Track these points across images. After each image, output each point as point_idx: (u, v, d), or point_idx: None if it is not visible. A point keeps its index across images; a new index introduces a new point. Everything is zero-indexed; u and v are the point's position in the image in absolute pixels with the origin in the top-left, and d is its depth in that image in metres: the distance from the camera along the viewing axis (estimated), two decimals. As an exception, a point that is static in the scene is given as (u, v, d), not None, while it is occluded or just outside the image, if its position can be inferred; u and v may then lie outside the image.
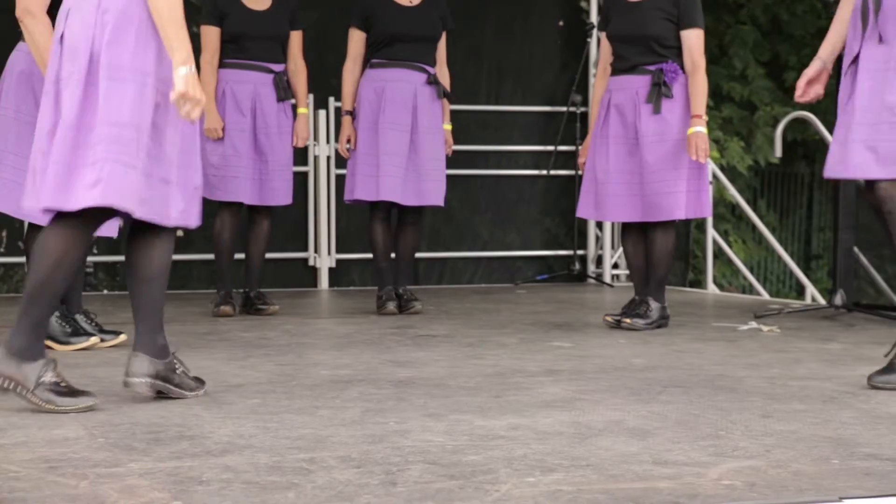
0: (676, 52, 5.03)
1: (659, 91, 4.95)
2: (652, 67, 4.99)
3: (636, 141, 4.99)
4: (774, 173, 12.56)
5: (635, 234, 5.15)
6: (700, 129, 4.92)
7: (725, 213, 11.43)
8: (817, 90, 3.72)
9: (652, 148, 4.95)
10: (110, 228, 4.27)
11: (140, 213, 3.05)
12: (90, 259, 7.17)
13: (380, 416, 2.95)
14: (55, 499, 2.15)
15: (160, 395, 3.17)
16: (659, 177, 4.95)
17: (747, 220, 10.87)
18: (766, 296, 7.69)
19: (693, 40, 5.02)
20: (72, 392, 3.08)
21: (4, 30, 6.45)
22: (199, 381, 3.32)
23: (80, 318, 4.35)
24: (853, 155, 3.51)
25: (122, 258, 7.43)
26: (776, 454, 2.52)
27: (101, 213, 3.09)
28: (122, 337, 4.41)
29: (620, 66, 5.07)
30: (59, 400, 3.05)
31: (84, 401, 3.07)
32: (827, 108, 10.81)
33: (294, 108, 5.62)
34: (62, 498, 2.15)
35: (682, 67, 5.01)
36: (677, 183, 4.95)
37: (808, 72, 3.72)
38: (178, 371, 3.25)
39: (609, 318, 5.08)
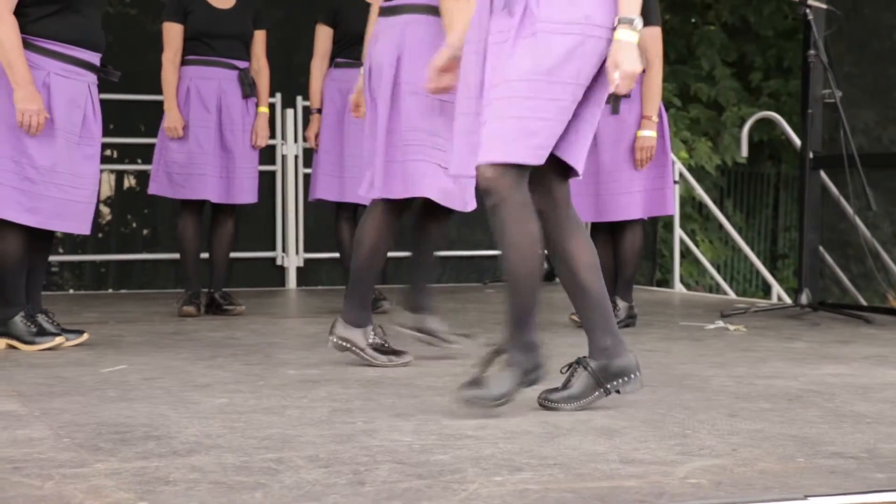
0: None
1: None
2: None
3: (594, 142, 4.99)
4: (741, 173, 12.63)
5: (603, 234, 5.16)
6: (648, 133, 4.91)
7: (692, 212, 11.48)
8: (450, 79, 3.24)
9: (608, 148, 4.95)
10: (81, 225, 4.25)
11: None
12: (55, 258, 7.13)
13: (347, 416, 2.95)
14: (20, 499, 2.13)
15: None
16: (614, 177, 4.96)
17: (714, 220, 10.93)
18: (732, 295, 7.73)
19: (647, 39, 4.95)
20: (393, 352, 3.87)
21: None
22: (398, 354, 3.88)
23: (41, 317, 4.32)
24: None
25: (86, 257, 7.39)
26: (742, 453, 2.53)
27: (403, 204, 3.87)
28: (85, 336, 4.38)
29: None
30: (381, 357, 3.85)
31: (401, 359, 3.85)
32: (792, 108, 10.91)
33: (256, 106, 5.60)
34: (27, 499, 2.13)
35: None
36: (632, 183, 4.95)
37: (437, 62, 3.25)
38: (371, 340, 3.88)
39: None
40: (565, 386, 3.05)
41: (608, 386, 3.04)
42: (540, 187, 3.03)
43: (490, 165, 2.92)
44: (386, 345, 3.90)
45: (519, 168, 2.92)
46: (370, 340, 3.88)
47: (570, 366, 3.07)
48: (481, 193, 3.00)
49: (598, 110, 3.04)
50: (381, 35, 3.86)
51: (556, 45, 2.88)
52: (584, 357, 3.06)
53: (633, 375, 3.06)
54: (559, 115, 2.91)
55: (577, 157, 3.03)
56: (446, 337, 4.11)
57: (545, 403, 3.03)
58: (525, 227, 2.95)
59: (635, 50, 2.88)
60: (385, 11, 3.89)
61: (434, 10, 3.79)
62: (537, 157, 2.92)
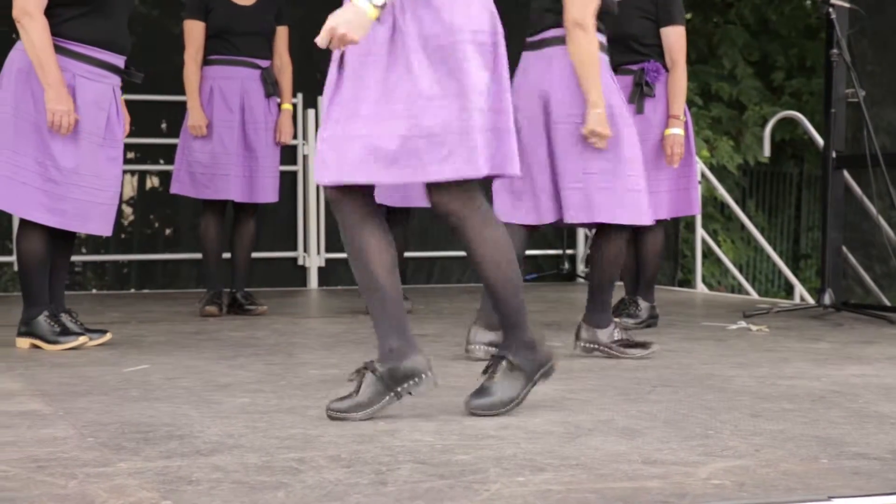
0: (658, 50, 4.99)
1: (641, 91, 4.93)
2: (633, 67, 4.96)
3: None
4: (763, 173, 12.59)
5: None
6: (676, 130, 4.90)
7: (714, 212, 11.45)
8: None
9: None
10: (103, 226, 4.27)
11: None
12: (78, 258, 7.16)
13: (369, 416, 2.95)
14: (44, 498, 2.14)
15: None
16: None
17: (736, 220, 10.89)
18: (754, 295, 7.71)
19: (672, 38, 4.96)
20: (639, 345, 4.05)
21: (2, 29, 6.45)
22: (645, 345, 4.05)
23: (64, 317, 4.34)
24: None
25: (108, 257, 7.42)
26: (765, 453, 2.52)
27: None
28: (108, 336, 4.40)
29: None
30: (630, 351, 4.03)
31: (649, 350, 4.02)
32: (814, 108, 10.86)
33: (279, 104, 5.61)
34: (51, 498, 2.14)
35: (665, 66, 4.99)
36: (658, 183, 4.94)
37: None
38: (617, 337, 4.07)
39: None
40: (354, 393, 2.90)
41: (398, 389, 2.89)
42: (451, 188, 2.91)
43: (442, 188, 2.88)
44: (630, 339, 4.09)
45: (468, 182, 2.88)
46: (615, 338, 4.06)
47: (357, 371, 2.93)
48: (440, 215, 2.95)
49: (508, 118, 2.93)
50: (530, 68, 4.01)
51: (423, 59, 2.81)
52: (372, 361, 2.91)
53: (423, 376, 2.91)
54: (447, 127, 2.81)
55: (502, 164, 2.91)
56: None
57: (333, 414, 2.88)
58: (491, 234, 2.91)
59: (362, 17, 2.73)
60: (531, 45, 4.04)
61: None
62: (489, 168, 2.86)
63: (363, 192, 2.92)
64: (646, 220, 4.02)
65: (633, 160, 3.96)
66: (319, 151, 2.90)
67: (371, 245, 2.91)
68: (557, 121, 3.94)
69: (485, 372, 3.02)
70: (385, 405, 2.91)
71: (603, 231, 4.07)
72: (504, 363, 2.99)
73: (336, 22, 2.75)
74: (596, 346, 4.08)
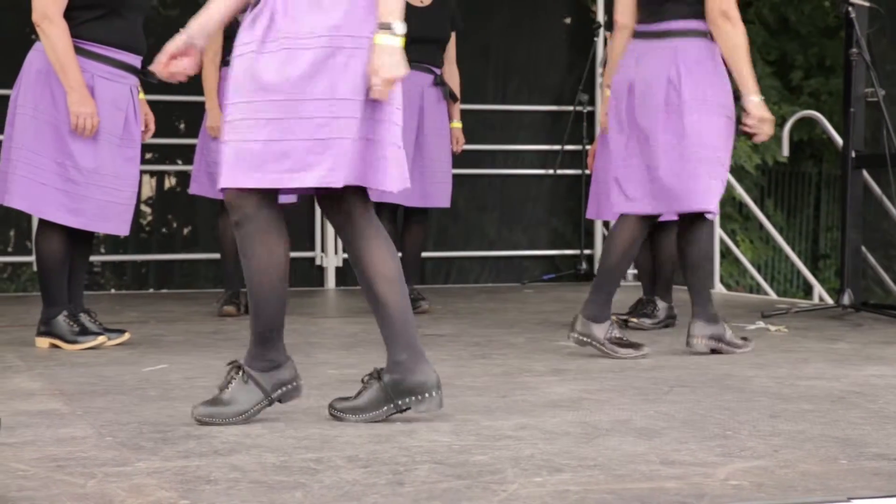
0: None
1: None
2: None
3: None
4: (782, 172, 12.55)
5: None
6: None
7: (733, 212, 11.42)
8: (183, 65, 2.96)
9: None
10: (121, 226, 4.28)
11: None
12: (97, 258, 7.19)
13: (387, 416, 2.95)
14: (63, 497, 2.15)
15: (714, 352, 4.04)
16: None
17: (755, 220, 10.86)
18: (773, 295, 7.68)
19: None
20: (631, 345, 4.05)
21: (18, 28, 6.48)
22: (746, 340, 4.15)
23: (83, 317, 4.35)
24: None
25: (127, 257, 7.44)
26: (784, 454, 2.51)
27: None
28: (127, 335, 4.41)
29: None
30: (621, 351, 4.02)
31: (639, 351, 4.03)
32: (833, 107, 10.82)
33: None
34: (70, 497, 2.15)
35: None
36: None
37: (170, 47, 2.96)
38: (727, 332, 4.14)
39: (615, 318, 5.08)
40: (356, 396, 2.90)
41: (399, 402, 2.85)
42: (328, 199, 2.91)
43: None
44: (624, 339, 4.08)
45: (264, 189, 2.82)
46: (609, 335, 4.05)
47: (369, 375, 2.91)
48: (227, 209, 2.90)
49: (396, 128, 2.85)
50: (646, 57, 4.06)
51: (302, 60, 2.74)
52: (381, 369, 2.90)
53: (428, 394, 2.85)
54: (317, 133, 2.75)
55: (381, 179, 2.83)
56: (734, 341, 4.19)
57: (331, 411, 2.90)
58: (269, 246, 2.85)
59: (397, 54, 2.74)
60: (649, 35, 4.08)
61: (703, 34, 4.03)
62: (289, 181, 2.78)
63: (264, 194, 2.84)
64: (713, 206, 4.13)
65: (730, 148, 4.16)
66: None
67: (370, 258, 2.91)
68: (688, 108, 3.99)
69: (223, 382, 2.91)
70: (383, 414, 2.87)
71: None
72: (241, 374, 2.87)
73: (387, 72, 2.74)
74: (589, 341, 4.07)
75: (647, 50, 4.07)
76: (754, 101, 3.96)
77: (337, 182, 2.78)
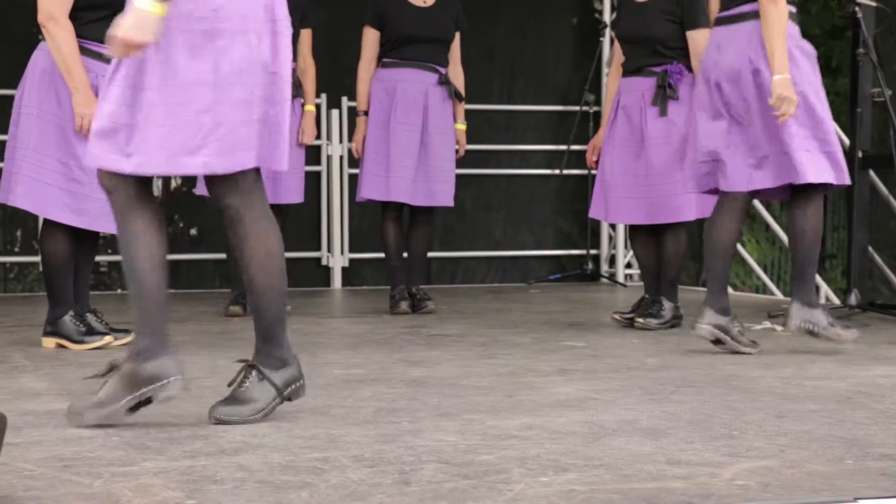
0: (683, 52, 4.99)
1: (664, 93, 4.93)
2: (657, 69, 4.96)
3: (642, 143, 4.97)
4: (788, 173, 12.52)
5: (643, 234, 5.14)
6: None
7: (739, 212, 11.38)
8: None
9: (658, 150, 4.94)
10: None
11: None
12: (103, 258, 7.20)
13: (392, 416, 2.95)
14: (69, 497, 2.15)
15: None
16: (666, 179, 4.93)
17: (761, 220, 10.84)
18: (779, 295, 7.67)
19: (699, 41, 4.91)
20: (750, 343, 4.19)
21: (24, 28, 6.49)
22: (754, 343, 4.19)
23: (89, 317, 4.36)
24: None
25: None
26: (790, 454, 2.51)
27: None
28: (133, 335, 4.41)
29: (628, 67, 5.08)
30: (844, 334, 4.17)
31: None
32: (840, 107, 10.79)
33: (303, 105, 5.62)
34: (76, 497, 2.15)
35: (689, 68, 4.97)
36: (685, 184, 4.93)
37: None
38: (736, 329, 4.19)
39: (617, 317, 5.09)
40: (104, 391, 2.83)
41: (142, 391, 2.81)
42: (227, 181, 2.87)
43: (219, 180, 2.85)
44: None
45: (246, 177, 2.82)
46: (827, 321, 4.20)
47: (109, 368, 2.88)
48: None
49: (284, 108, 2.83)
50: (726, 42, 4.17)
51: (181, 45, 2.69)
52: (117, 359, 2.88)
53: (169, 380, 2.84)
54: (199, 118, 2.71)
55: (269, 158, 2.83)
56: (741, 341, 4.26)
57: (69, 413, 2.86)
58: (265, 236, 2.88)
59: (145, 19, 2.59)
60: (726, 20, 4.20)
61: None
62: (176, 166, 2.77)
63: (136, 179, 2.82)
64: (846, 178, 4.20)
65: (826, 120, 4.22)
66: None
67: (140, 234, 2.83)
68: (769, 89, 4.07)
69: (232, 383, 2.91)
70: (126, 405, 2.79)
71: (801, 196, 4.23)
72: (255, 373, 2.88)
73: (122, 32, 2.61)
74: (813, 327, 4.19)
75: (727, 34, 4.17)
76: (777, 79, 4.03)
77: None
